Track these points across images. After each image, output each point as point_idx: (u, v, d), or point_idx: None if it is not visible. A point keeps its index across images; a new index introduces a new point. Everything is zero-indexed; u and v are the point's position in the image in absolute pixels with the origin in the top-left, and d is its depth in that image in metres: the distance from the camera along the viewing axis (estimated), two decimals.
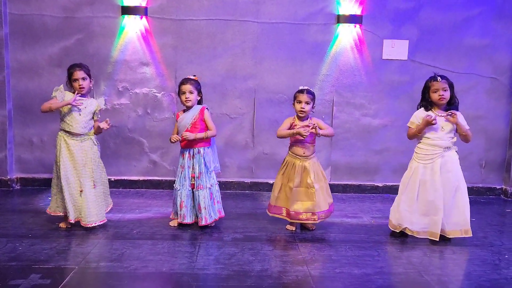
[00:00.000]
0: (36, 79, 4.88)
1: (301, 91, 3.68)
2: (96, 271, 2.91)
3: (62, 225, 3.68)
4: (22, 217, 3.93)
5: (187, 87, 3.67)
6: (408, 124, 3.66)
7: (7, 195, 4.69)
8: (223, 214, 3.88)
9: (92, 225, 3.58)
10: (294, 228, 3.80)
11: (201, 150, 3.72)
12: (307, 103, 3.66)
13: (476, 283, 2.89)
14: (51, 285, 2.66)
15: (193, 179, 3.72)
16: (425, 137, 3.55)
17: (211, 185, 3.77)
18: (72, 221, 3.58)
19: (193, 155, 3.72)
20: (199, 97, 3.77)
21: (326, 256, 3.28)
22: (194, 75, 3.81)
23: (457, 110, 3.57)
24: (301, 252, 3.32)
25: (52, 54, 4.85)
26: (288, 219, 3.76)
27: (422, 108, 3.61)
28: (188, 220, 3.73)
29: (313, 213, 3.66)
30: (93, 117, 3.67)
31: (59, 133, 3.62)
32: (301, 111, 3.67)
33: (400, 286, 2.86)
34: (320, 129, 3.66)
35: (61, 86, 3.60)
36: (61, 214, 3.67)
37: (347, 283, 2.83)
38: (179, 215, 3.73)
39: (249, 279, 2.83)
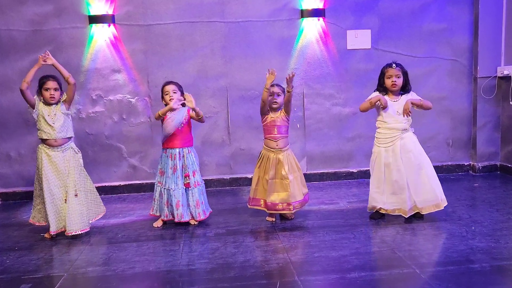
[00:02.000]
0: (9, 93, 4.90)
1: (272, 85, 3.79)
2: (84, 276, 3.00)
3: (47, 235, 3.74)
4: (7, 231, 3.99)
5: (171, 87, 3.83)
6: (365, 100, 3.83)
7: None
8: None
9: (73, 234, 3.63)
10: (274, 219, 3.95)
11: (190, 149, 3.90)
12: (278, 94, 3.80)
13: (444, 255, 3.09)
14: None
15: (186, 178, 3.85)
16: (383, 122, 3.75)
17: (203, 181, 3.99)
18: (53, 233, 3.65)
19: (183, 155, 3.86)
20: (184, 99, 3.90)
21: (305, 242, 3.44)
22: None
23: (408, 93, 3.75)
24: (281, 241, 3.48)
25: (22, 68, 4.87)
26: (266, 210, 3.91)
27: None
28: (186, 218, 3.85)
29: (289, 203, 3.82)
30: (68, 115, 3.69)
31: (39, 146, 3.67)
32: (274, 102, 3.79)
33: (374, 264, 3.04)
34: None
35: (35, 97, 3.66)
36: (45, 224, 3.73)
37: (325, 265, 3.00)
38: (175, 214, 3.83)
39: (233, 270, 2.97)
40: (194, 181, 3.88)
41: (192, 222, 3.92)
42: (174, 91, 3.83)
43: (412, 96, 3.75)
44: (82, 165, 3.77)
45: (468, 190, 4.81)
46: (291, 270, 2.95)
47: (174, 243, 3.53)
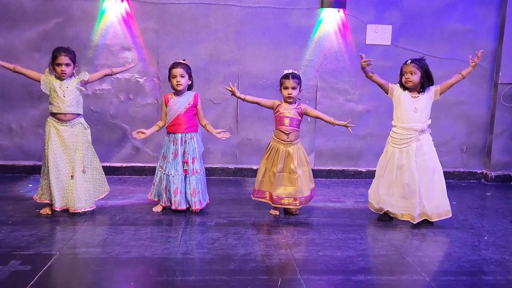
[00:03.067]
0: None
1: (287, 76, 3.65)
2: (77, 256, 2.88)
3: (42, 211, 3.62)
4: (2, 205, 3.86)
5: (178, 71, 3.64)
6: None
7: None
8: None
9: (81, 211, 3.53)
10: (278, 213, 3.80)
11: (194, 135, 3.74)
12: (293, 88, 3.64)
13: (456, 264, 2.94)
14: (32, 271, 2.62)
15: (185, 164, 3.70)
16: (400, 119, 3.58)
17: (203, 170, 3.82)
18: (57, 209, 3.53)
19: (186, 140, 3.71)
20: (190, 82, 3.74)
21: (310, 240, 3.29)
22: (184, 60, 3.77)
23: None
24: (284, 236, 3.33)
25: (30, 39, 4.73)
26: (271, 203, 3.76)
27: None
28: (184, 206, 3.71)
29: (295, 199, 3.67)
30: (81, 92, 3.58)
31: (48, 119, 3.55)
32: (289, 97, 3.65)
33: (382, 267, 2.89)
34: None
35: (46, 70, 3.55)
36: (46, 201, 3.60)
37: (329, 265, 2.85)
38: (172, 201, 3.69)
39: (233, 263, 2.83)
40: (193, 169, 3.72)
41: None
42: (182, 75, 3.65)
43: (431, 90, 3.58)
44: (90, 142, 3.65)
45: (480, 198, 4.64)
46: (294, 267, 2.81)
47: (172, 229, 3.39)
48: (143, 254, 2.92)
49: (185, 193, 3.73)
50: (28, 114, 4.81)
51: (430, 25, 5.02)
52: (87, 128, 3.64)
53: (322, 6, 4.87)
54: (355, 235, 3.38)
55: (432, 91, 3.59)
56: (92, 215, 3.63)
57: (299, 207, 3.73)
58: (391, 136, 3.68)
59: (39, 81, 3.54)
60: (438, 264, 2.94)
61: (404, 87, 3.59)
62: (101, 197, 3.78)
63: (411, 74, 3.51)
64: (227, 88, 3.70)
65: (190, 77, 3.73)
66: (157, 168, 3.81)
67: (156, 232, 3.32)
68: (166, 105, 3.72)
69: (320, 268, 2.81)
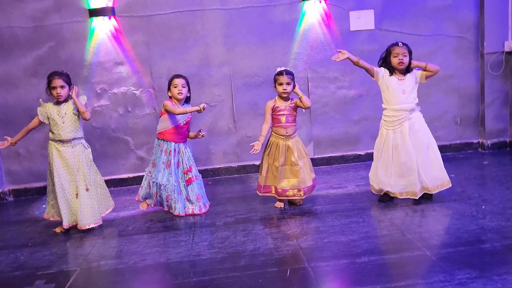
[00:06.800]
0: (14, 91, 4.92)
1: (281, 73, 3.80)
2: (97, 270, 3.05)
3: (57, 230, 3.80)
4: (20, 227, 4.05)
5: (181, 81, 3.87)
6: None
7: (2, 208, 4.79)
8: None
9: (86, 228, 3.68)
10: (282, 205, 3.96)
11: (185, 145, 3.97)
12: (288, 84, 3.78)
13: (455, 236, 3.08)
14: None
15: (187, 174, 3.92)
16: (389, 101, 3.71)
17: (200, 175, 4.03)
18: (66, 227, 3.70)
19: (179, 151, 3.90)
20: (189, 94, 3.95)
21: (314, 228, 3.45)
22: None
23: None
24: (290, 227, 3.49)
25: (26, 65, 4.88)
26: (277, 197, 3.92)
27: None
28: (179, 212, 3.90)
29: (299, 189, 3.83)
30: (79, 116, 3.71)
31: (49, 142, 3.72)
32: (284, 92, 3.79)
33: (385, 247, 3.05)
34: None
35: (40, 100, 3.74)
36: (58, 219, 3.78)
37: (335, 250, 3.01)
38: (165, 205, 3.93)
39: (243, 259, 2.99)
40: (192, 176, 3.94)
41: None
42: (183, 85, 3.87)
43: (416, 73, 3.71)
44: (92, 160, 3.81)
45: (478, 168, 4.77)
46: (301, 256, 2.97)
47: (183, 233, 3.55)
48: (158, 260, 3.09)
49: (189, 200, 3.94)
50: (34, 138, 4.96)
51: (411, 5, 5.11)
52: (87, 147, 3.80)
53: None
54: (358, 219, 3.53)
55: (418, 74, 3.71)
56: (106, 228, 3.80)
57: (303, 197, 3.89)
58: (383, 119, 3.82)
59: (39, 121, 3.73)
60: (437, 237, 3.09)
61: (391, 68, 3.69)
62: (107, 212, 3.91)
63: (404, 56, 3.64)
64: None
65: (189, 89, 3.93)
66: (146, 172, 3.99)
67: (169, 238, 3.48)
68: (168, 109, 3.84)
69: (326, 255, 2.96)
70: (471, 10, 5.19)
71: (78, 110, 3.67)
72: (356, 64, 3.75)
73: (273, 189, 3.92)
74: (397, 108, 3.70)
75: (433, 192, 3.73)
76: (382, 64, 3.77)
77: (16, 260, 3.30)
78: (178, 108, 3.84)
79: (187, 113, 3.85)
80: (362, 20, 5.07)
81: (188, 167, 3.92)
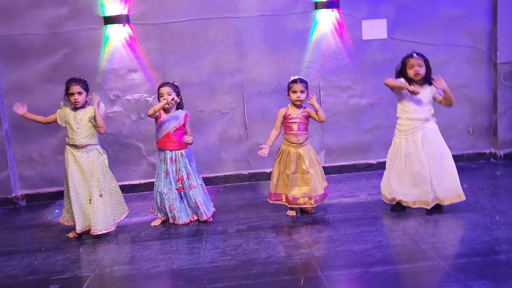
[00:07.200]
0: (29, 97, 4.95)
1: (295, 81, 3.83)
2: (111, 275, 3.06)
3: (70, 235, 3.82)
4: (33, 232, 4.08)
5: (165, 89, 3.87)
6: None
7: (15, 212, 4.83)
8: None
9: (98, 233, 3.69)
10: (294, 213, 3.96)
11: (183, 152, 3.92)
12: (302, 92, 3.81)
13: (469, 247, 3.06)
14: None
15: (179, 183, 3.89)
16: (404, 111, 3.71)
17: (201, 182, 4.00)
18: (79, 231, 3.72)
19: (176, 159, 3.89)
20: (179, 99, 3.95)
21: (327, 237, 3.44)
22: (174, 82, 4.02)
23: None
24: (303, 236, 3.49)
25: (40, 71, 4.95)
26: (287, 205, 3.92)
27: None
28: (184, 220, 3.91)
29: (310, 197, 3.83)
30: (94, 124, 3.76)
31: (66, 147, 3.77)
32: (298, 100, 3.82)
33: (398, 257, 3.04)
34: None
35: (61, 102, 3.80)
36: (73, 224, 3.80)
37: (348, 259, 3.00)
38: (169, 217, 3.93)
39: (256, 267, 2.99)
40: (189, 184, 3.89)
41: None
42: (169, 93, 3.85)
43: (435, 91, 3.70)
44: (107, 166, 3.84)
45: (490, 178, 4.74)
46: (315, 265, 2.96)
47: (196, 240, 3.56)
48: (171, 267, 3.10)
49: (190, 207, 3.94)
50: (47, 143, 5.02)
51: (423, 14, 5.12)
52: (103, 153, 3.83)
53: (316, 8, 5.01)
54: (371, 228, 3.52)
55: (435, 93, 3.69)
56: (119, 234, 3.82)
57: (314, 205, 3.88)
58: (397, 128, 3.82)
59: (54, 120, 3.81)
60: (451, 248, 3.07)
61: (408, 80, 3.69)
62: (122, 218, 3.94)
63: (420, 66, 3.64)
64: None
65: (178, 94, 3.93)
66: (154, 184, 4.02)
67: (181, 244, 3.49)
68: (158, 119, 3.89)
69: (339, 264, 2.96)
70: (484, 20, 5.19)
71: (95, 120, 3.71)
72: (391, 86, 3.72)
73: (284, 197, 3.93)
74: (411, 117, 3.69)
75: (445, 204, 3.70)
76: (399, 76, 3.75)
77: (29, 264, 3.33)
78: (149, 110, 3.87)
79: (156, 111, 3.80)
80: (375, 29, 5.08)
81: (180, 175, 3.88)
